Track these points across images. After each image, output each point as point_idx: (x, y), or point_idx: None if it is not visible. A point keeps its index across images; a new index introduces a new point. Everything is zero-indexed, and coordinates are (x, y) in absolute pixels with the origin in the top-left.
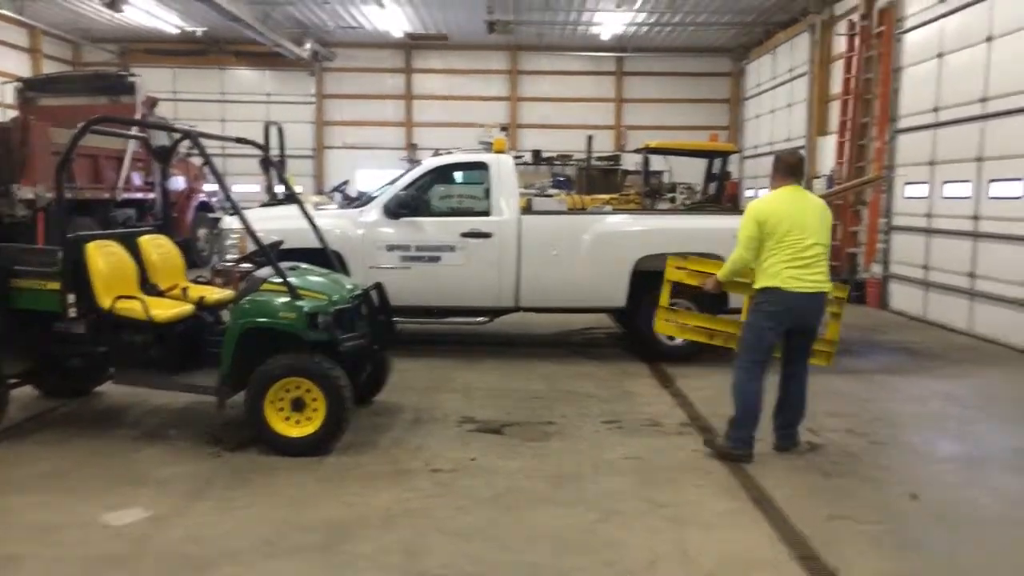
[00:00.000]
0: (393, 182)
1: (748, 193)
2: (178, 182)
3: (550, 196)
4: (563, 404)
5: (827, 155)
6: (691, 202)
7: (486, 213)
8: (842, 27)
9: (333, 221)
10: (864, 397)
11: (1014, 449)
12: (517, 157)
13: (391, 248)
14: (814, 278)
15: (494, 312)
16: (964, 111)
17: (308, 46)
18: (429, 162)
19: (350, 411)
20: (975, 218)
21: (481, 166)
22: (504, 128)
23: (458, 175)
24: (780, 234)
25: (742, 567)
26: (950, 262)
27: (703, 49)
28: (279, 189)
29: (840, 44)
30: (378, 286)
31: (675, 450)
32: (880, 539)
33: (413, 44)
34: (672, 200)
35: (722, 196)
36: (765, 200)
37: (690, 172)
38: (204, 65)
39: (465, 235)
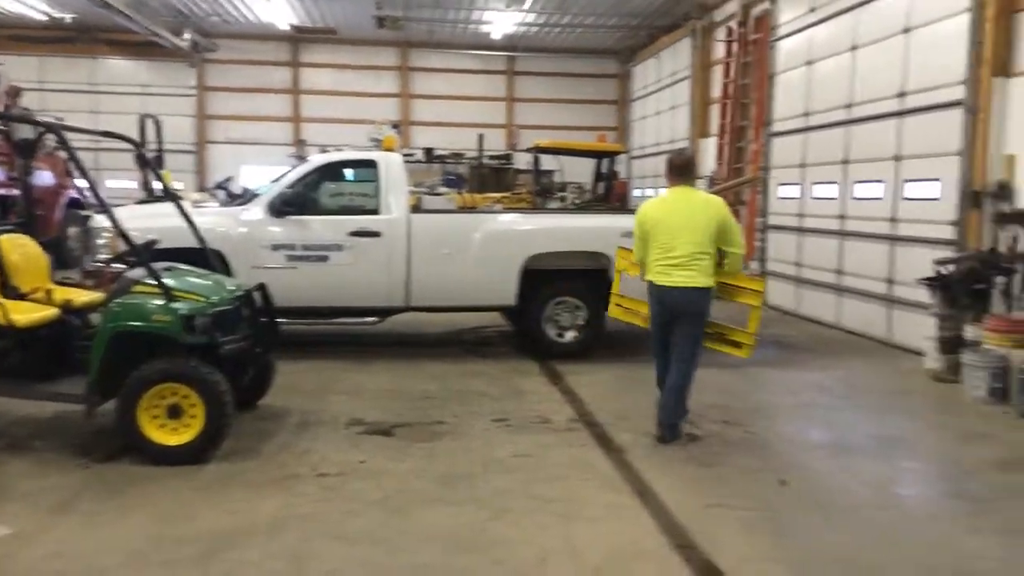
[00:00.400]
0: (278, 179)
1: (636, 193)
2: (44, 178)
3: (440, 195)
4: (454, 403)
5: (709, 157)
6: (580, 201)
7: (375, 212)
8: (721, 33)
9: (214, 219)
10: (742, 390)
11: (876, 436)
12: (409, 155)
13: (276, 247)
14: (682, 275)
15: (384, 312)
16: (831, 116)
17: (187, 36)
18: (316, 159)
19: (231, 416)
20: (841, 217)
21: (369, 164)
22: (395, 125)
23: (346, 173)
24: (654, 236)
25: (626, 559)
26: (819, 259)
27: (591, 51)
28: (157, 186)
29: (720, 49)
30: (261, 287)
31: (564, 446)
32: (753, 524)
33: (300, 37)
34: (562, 199)
35: (610, 195)
36: (648, 203)
37: (580, 172)
38: (74, 54)
39: (353, 234)
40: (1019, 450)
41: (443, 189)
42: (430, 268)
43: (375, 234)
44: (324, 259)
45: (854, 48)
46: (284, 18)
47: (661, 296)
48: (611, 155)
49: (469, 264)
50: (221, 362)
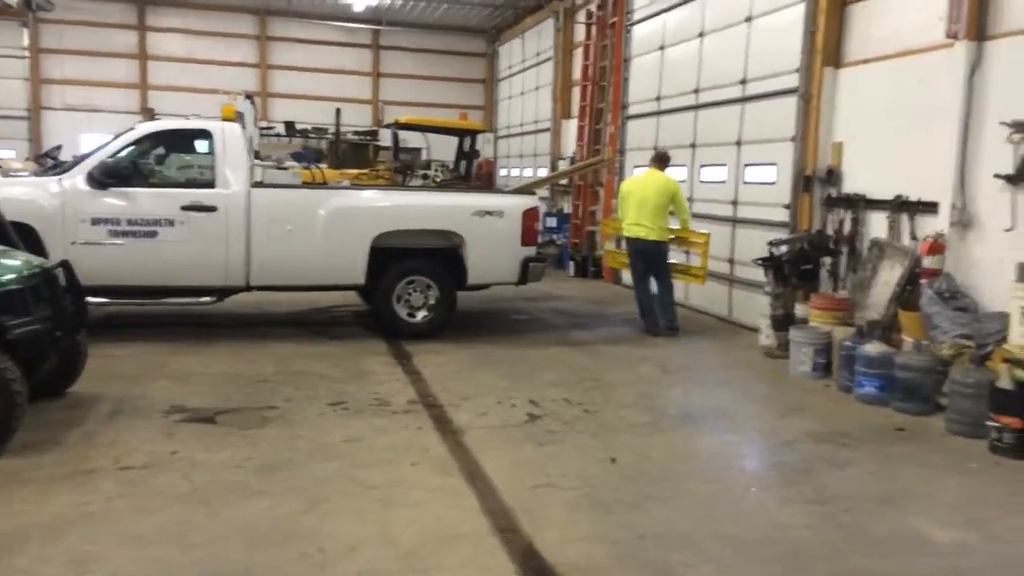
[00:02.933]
0: (100, 148)
1: (503, 172)
2: None
3: (285, 169)
4: (290, 387)
5: (571, 138)
6: (440, 180)
7: (210, 185)
8: (582, 15)
9: (23, 190)
10: (585, 367)
11: (705, 410)
12: (268, 128)
13: (96, 222)
14: (642, 230)
15: (222, 292)
16: (681, 101)
17: None
18: (144, 127)
19: (22, 407)
20: (689, 200)
21: (204, 134)
22: (249, 96)
23: (178, 143)
24: (628, 202)
25: (442, 543)
26: None
27: (458, 28)
28: None
29: (581, 32)
30: (64, 264)
31: (398, 429)
32: (577, 503)
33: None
34: (424, 177)
35: (471, 174)
36: (627, 179)
37: (448, 150)
38: None
39: (186, 208)
40: (833, 422)
41: (290, 163)
42: (271, 246)
43: (210, 209)
44: (153, 235)
45: (702, 35)
46: None
47: (630, 245)
48: (472, 133)
49: (314, 242)
50: (13, 347)
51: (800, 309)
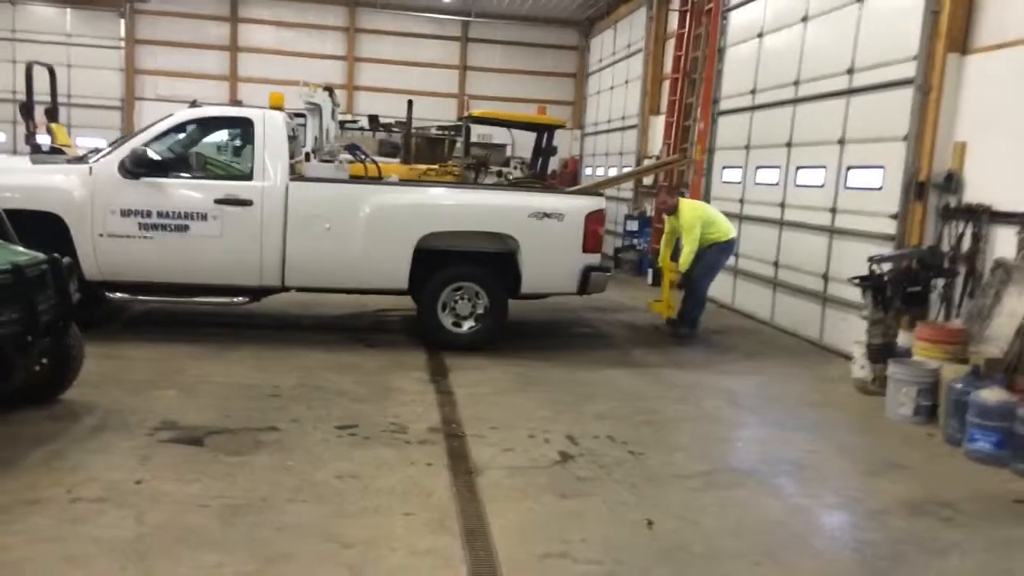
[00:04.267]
0: (136, 135)
1: (587, 171)
2: None
3: (329, 162)
4: (303, 404)
5: (659, 135)
6: (512, 178)
7: (247, 177)
8: (676, 3)
9: (52, 178)
10: (641, 395)
11: (775, 461)
12: (352, 121)
13: (126, 213)
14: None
15: (256, 292)
16: (779, 94)
17: None
18: (181, 114)
19: None
20: (782, 205)
21: (245, 123)
22: (329, 88)
23: (217, 131)
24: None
25: None
26: (758, 250)
27: (550, 20)
28: (44, 140)
29: (674, 21)
30: (52, 259)
31: (405, 465)
32: None
33: None
34: (499, 174)
35: (546, 171)
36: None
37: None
38: None
39: (220, 202)
40: (935, 486)
41: (344, 156)
42: (309, 244)
43: (246, 203)
44: (184, 229)
45: (805, 20)
46: None
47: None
48: (550, 128)
49: (354, 241)
50: None
51: (903, 338)
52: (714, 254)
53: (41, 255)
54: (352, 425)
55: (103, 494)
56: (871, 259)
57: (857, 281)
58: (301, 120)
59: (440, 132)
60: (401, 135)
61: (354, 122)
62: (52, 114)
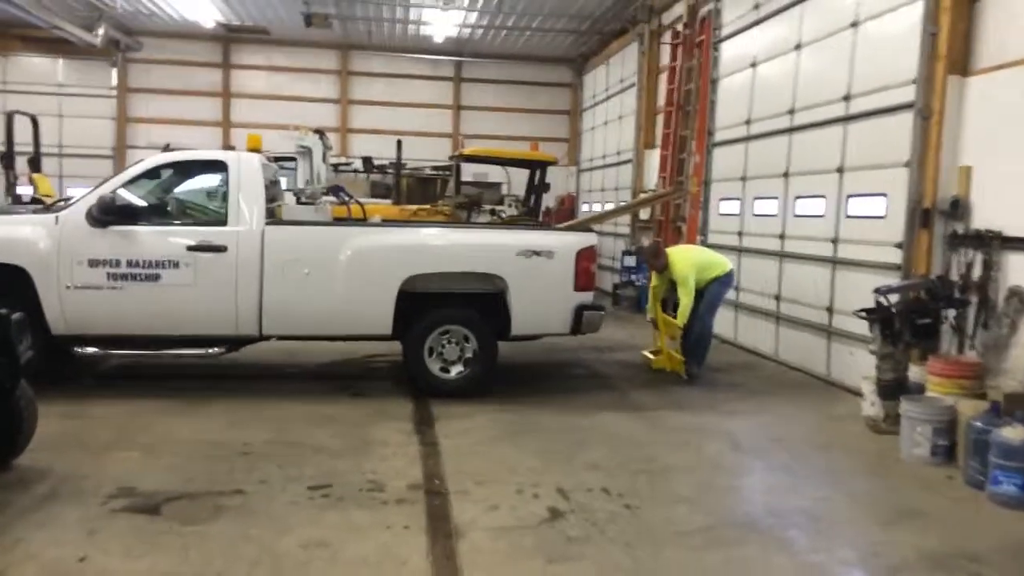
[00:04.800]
0: (103, 183)
1: (584, 207)
2: None
3: (311, 203)
4: (273, 462)
5: (654, 169)
6: (505, 216)
7: (222, 223)
8: (668, 36)
9: (15, 228)
10: (638, 441)
11: (782, 512)
12: (346, 164)
13: (94, 264)
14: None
15: (233, 342)
16: (774, 124)
17: (101, 31)
18: (152, 159)
19: None
20: (781, 237)
21: (218, 166)
22: (319, 131)
23: (189, 176)
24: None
25: None
26: (758, 283)
27: (543, 58)
28: (27, 191)
29: (667, 55)
30: None
31: (380, 529)
32: None
33: (232, 37)
34: (492, 213)
35: (539, 209)
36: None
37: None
38: None
39: (193, 248)
40: (957, 535)
41: (326, 199)
42: (287, 291)
43: (220, 249)
44: (156, 278)
45: (799, 47)
46: (209, 15)
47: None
48: (542, 165)
49: (334, 286)
50: None
51: (915, 373)
52: (715, 288)
53: None
54: (325, 485)
55: (39, 575)
56: (877, 290)
57: (863, 314)
58: (292, 164)
59: (434, 172)
60: (392, 176)
61: (348, 164)
62: (35, 164)
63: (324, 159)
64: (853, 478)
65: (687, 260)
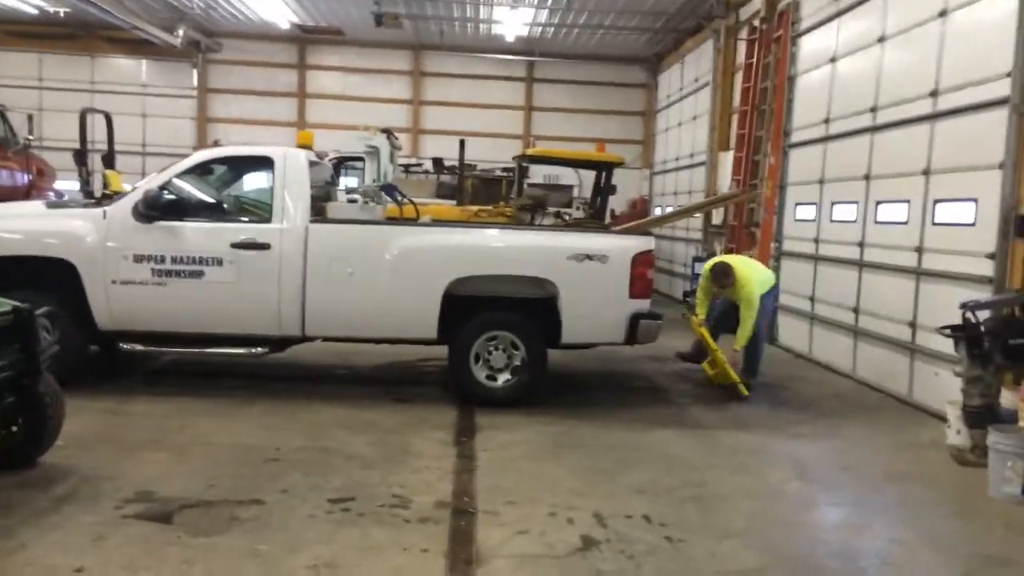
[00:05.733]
0: (153, 177)
1: (656, 211)
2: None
3: (355, 202)
4: (299, 470)
5: (728, 171)
6: (570, 219)
7: (266, 220)
8: (744, 32)
9: (64, 222)
10: (692, 463)
11: (848, 556)
12: (417, 164)
13: (139, 259)
14: None
15: (276, 342)
16: (854, 122)
17: (180, 32)
18: (198, 154)
19: None
20: (861, 245)
21: (265, 162)
22: (387, 131)
23: (234, 172)
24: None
25: None
26: (835, 294)
27: (616, 58)
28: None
29: (743, 52)
30: (17, 308)
31: (396, 551)
32: None
33: (307, 38)
34: (556, 215)
35: (604, 212)
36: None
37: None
38: (73, 51)
39: (237, 246)
40: None
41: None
42: (331, 290)
43: (264, 246)
44: (199, 275)
45: (882, 40)
46: (283, 16)
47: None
48: (608, 166)
49: (379, 287)
50: None
51: (1007, 399)
52: (768, 303)
53: (8, 303)
54: (348, 498)
55: None
56: (964, 306)
57: (948, 332)
58: (361, 164)
59: (504, 173)
60: (458, 176)
61: (418, 165)
62: (108, 160)
63: (392, 159)
64: (933, 517)
65: (753, 276)
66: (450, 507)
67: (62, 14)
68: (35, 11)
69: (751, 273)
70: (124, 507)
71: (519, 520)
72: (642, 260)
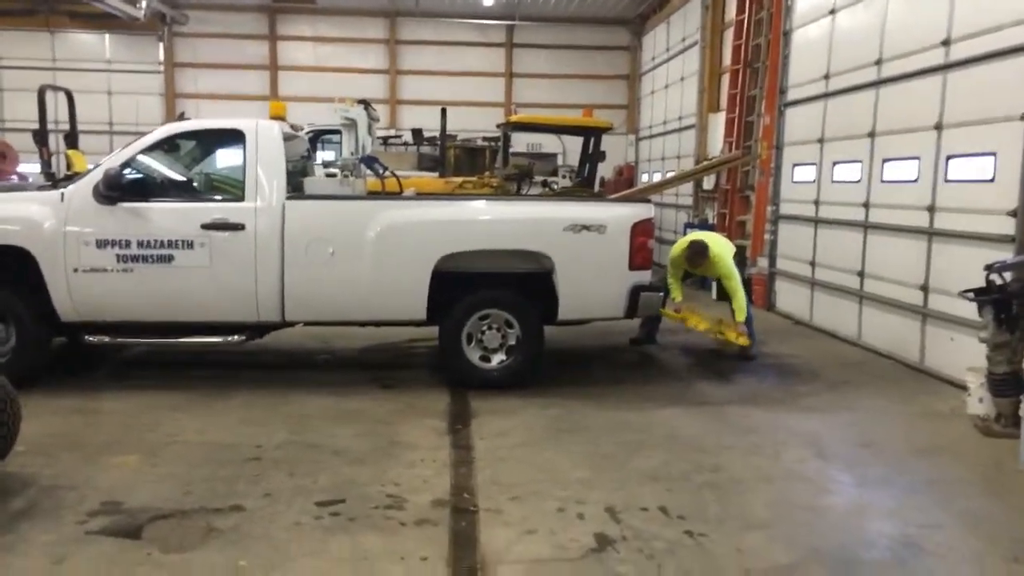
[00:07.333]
0: (115, 154)
1: (643, 177)
2: None
3: (334, 176)
4: (283, 470)
5: (719, 134)
6: (558, 188)
7: (239, 198)
8: None
9: (19, 207)
10: (703, 444)
11: (873, 543)
12: (396, 136)
13: (102, 244)
14: None
15: (253, 329)
16: (857, 77)
17: (144, 4)
18: (162, 129)
19: None
20: (866, 205)
21: (234, 135)
22: (364, 102)
23: (203, 147)
24: None
25: None
26: (838, 258)
27: (599, 20)
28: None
29: (732, 9)
30: None
31: (390, 560)
32: None
33: (277, 7)
34: (543, 184)
35: (593, 179)
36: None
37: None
38: (32, 27)
39: (208, 227)
40: None
41: (361, 171)
42: (310, 272)
43: (237, 227)
44: (168, 259)
45: None
46: None
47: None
48: (596, 132)
49: (362, 267)
50: None
51: None
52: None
53: None
54: (337, 500)
55: None
56: (989, 267)
57: (972, 295)
58: (338, 137)
59: (486, 142)
60: (437, 147)
61: (398, 137)
62: (71, 140)
63: (370, 131)
64: (967, 496)
65: (725, 251)
66: (449, 506)
67: None
68: None
69: (722, 246)
70: (88, 521)
71: (525, 518)
72: (642, 229)
